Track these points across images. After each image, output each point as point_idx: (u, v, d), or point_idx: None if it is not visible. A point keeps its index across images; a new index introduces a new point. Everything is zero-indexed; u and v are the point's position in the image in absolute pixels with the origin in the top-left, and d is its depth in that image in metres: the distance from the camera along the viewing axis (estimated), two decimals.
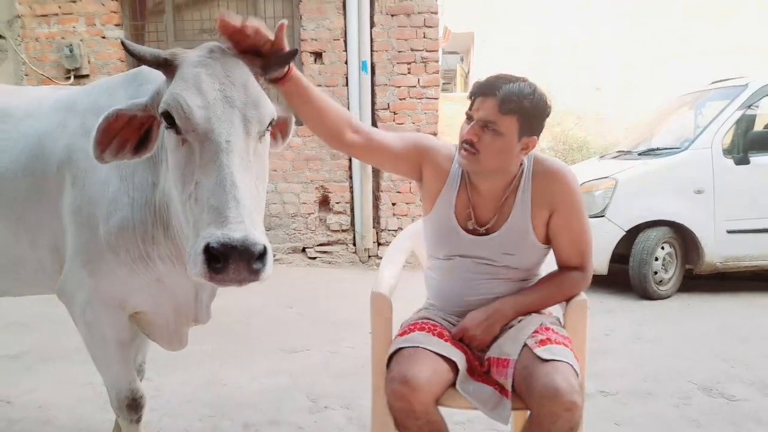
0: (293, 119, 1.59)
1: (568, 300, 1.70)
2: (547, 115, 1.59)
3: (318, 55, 5.56)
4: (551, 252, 1.75)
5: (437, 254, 1.78)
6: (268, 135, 1.34)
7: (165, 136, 1.30)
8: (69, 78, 5.70)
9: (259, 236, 1.13)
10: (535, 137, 1.59)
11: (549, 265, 1.77)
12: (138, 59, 1.30)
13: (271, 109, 1.31)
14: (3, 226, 1.66)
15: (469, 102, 1.62)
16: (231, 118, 1.22)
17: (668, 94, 6.41)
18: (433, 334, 1.62)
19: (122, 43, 1.31)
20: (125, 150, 1.35)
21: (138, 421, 1.77)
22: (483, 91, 1.56)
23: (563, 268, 1.70)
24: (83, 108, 1.62)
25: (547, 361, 1.46)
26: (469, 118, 1.59)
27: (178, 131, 1.24)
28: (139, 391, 1.74)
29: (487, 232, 1.69)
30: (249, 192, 1.18)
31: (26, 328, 3.64)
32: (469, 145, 1.57)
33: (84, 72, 5.72)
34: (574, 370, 1.47)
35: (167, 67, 1.29)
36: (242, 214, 1.13)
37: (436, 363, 1.54)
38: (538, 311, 1.70)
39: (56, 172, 1.59)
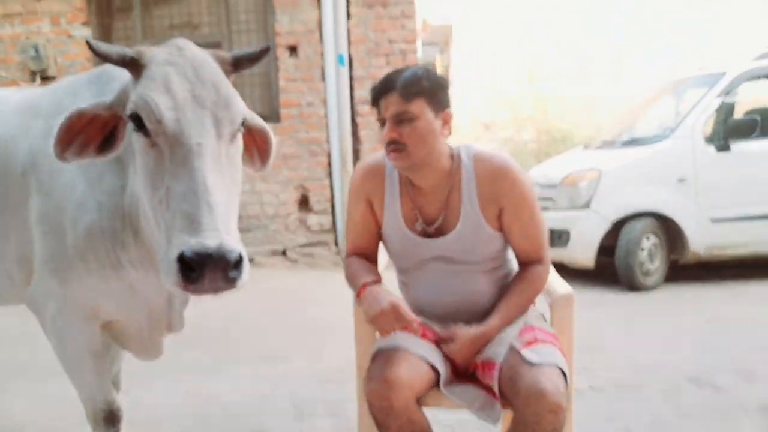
0: (272, 135, 1.52)
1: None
2: (449, 87, 1.63)
3: (293, 49, 5.46)
4: None
5: (402, 266, 1.77)
6: (240, 136, 1.30)
7: (133, 139, 1.25)
8: (35, 80, 5.55)
9: (234, 243, 1.10)
10: (448, 109, 1.61)
11: None
12: (104, 59, 1.25)
13: (241, 108, 1.26)
14: None
15: (375, 111, 1.63)
16: (201, 119, 1.19)
17: (654, 79, 6.41)
18: (416, 335, 1.60)
19: (87, 42, 1.25)
20: (89, 149, 1.31)
21: None
22: (382, 90, 1.58)
23: (523, 264, 1.69)
24: (46, 110, 1.56)
25: (533, 364, 1.45)
26: (382, 122, 1.60)
27: (147, 134, 1.19)
28: (116, 403, 1.70)
29: (438, 231, 1.68)
30: (222, 197, 1.14)
31: None
32: (394, 145, 1.57)
33: (51, 73, 5.57)
34: (562, 371, 1.47)
35: (134, 66, 1.24)
36: (216, 220, 1.10)
37: (416, 363, 1.53)
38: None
39: (21, 177, 1.54)
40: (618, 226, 4.46)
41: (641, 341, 3.35)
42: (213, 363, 3.13)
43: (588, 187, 4.50)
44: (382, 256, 2.03)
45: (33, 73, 5.56)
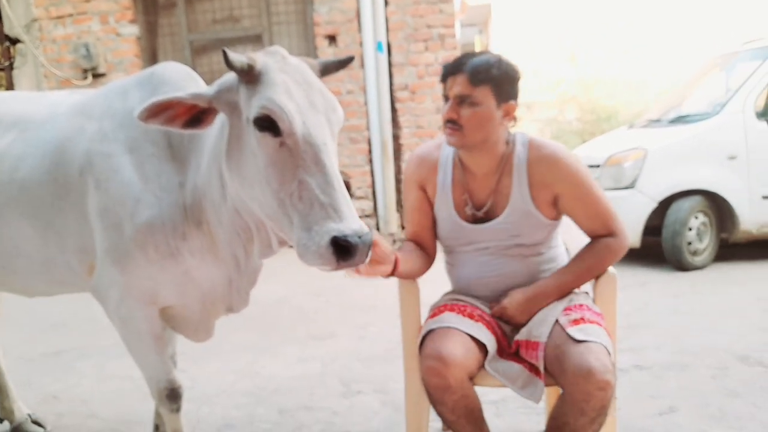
0: None
1: (606, 265, 1.68)
2: (519, 79, 1.64)
3: (332, 38, 5.51)
4: (568, 219, 1.78)
5: (449, 248, 1.82)
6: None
7: (256, 138, 1.32)
8: (86, 77, 5.76)
9: (365, 226, 1.27)
10: (513, 102, 1.63)
11: (568, 234, 1.77)
12: (229, 67, 1.34)
13: (342, 112, 1.39)
14: (33, 232, 1.71)
15: (442, 86, 1.68)
16: (321, 122, 1.31)
17: (702, 56, 6.19)
18: (464, 315, 1.65)
19: (223, 51, 1.32)
20: (174, 123, 1.41)
21: (178, 410, 1.81)
22: (452, 70, 1.62)
23: (594, 238, 1.69)
24: (99, 113, 1.67)
25: (580, 341, 1.47)
26: (446, 98, 1.64)
27: (275, 134, 1.29)
28: (177, 381, 1.79)
29: (486, 216, 1.71)
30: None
31: (65, 327, 3.75)
32: (451, 123, 1.61)
33: (101, 71, 5.78)
34: (607, 349, 1.48)
35: (249, 72, 1.33)
36: (352, 209, 1.27)
37: (467, 341, 1.58)
38: (579, 286, 1.70)
39: (78, 176, 1.64)
40: (664, 205, 4.37)
41: (688, 320, 3.29)
42: (264, 343, 3.23)
43: (633, 167, 4.42)
44: None
45: (85, 71, 5.77)
